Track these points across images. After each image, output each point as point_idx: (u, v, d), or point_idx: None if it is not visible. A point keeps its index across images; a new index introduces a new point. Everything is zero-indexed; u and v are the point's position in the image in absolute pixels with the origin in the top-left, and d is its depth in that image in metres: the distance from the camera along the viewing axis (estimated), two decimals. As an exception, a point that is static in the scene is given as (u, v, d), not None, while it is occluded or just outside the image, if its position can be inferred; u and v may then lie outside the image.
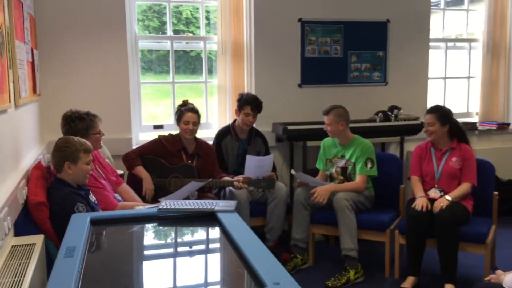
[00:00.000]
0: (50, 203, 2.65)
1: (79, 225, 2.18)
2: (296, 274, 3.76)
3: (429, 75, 5.21)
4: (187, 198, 3.54)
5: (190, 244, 2.34)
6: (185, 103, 3.85)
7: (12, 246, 2.32)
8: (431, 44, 5.25)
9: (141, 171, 3.70)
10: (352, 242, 3.63)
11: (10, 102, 2.47)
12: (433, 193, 3.61)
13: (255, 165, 3.88)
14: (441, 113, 3.70)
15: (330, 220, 3.77)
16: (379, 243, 3.83)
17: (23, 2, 3.06)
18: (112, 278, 1.84)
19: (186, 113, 3.75)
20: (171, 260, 2.16)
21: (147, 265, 2.05)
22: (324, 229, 3.91)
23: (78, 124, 3.05)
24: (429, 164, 3.70)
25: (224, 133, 4.19)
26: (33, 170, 2.80)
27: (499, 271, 2.24)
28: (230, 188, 3.83)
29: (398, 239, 3.63)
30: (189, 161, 3.82)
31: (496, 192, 3.72)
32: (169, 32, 4.61)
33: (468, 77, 5.58)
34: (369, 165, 3.77)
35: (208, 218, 2.36)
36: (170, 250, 2.23)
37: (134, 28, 4.42)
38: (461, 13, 5.57)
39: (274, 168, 4.20)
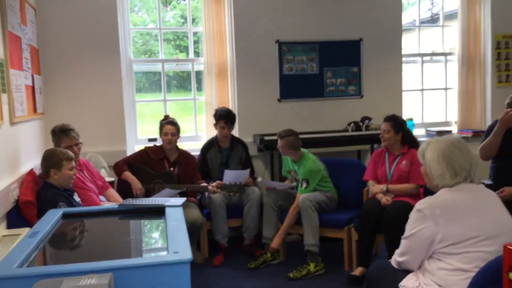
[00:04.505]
0: (39, 202, 3.21)
1: (50, 217, 2.73)
2: (265, 268, 4.21)
3: (406, 87, 5.60)
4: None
5: (135, 226, 2.86)
6: (165, 117, 4.40)
7: (2, 236, 2.88)
8: (408, 58, 5.66)
9: (128, 175, 4.23)
10: (313, 239, 4.05)
11: (2, 120, 3.05)
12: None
13: (231, 177, 4.35)
14: (395, 122, 4.09)
15: (297, 219, 4.21)
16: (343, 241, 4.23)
17: (21, 37, 3.67)
18: (62, 252, 2.36)
19: (165, 125, 4.29)
20: (116, 237, 2.69)
21: (97, 243, 2.58)
22: (293, 228, 4.32)
23: (52, 138, 3.69)
24: (382, 167, 4.11)
25: (208, 146, 4.68)
26: (26, 176, 3.38)
27: None
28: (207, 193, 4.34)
29: (354, 235, 4.03)
30: (171, 169, 4.34)
31: (448, 193, 4.06)
32: (161, 56, 5.19)
33: (446, 89, 5.92)
34: (304, 185, 4.20)
35: (159, 212, 2.86)
36: (118, 232, 2.76)
37: (129, 53, 5.02)
38: (437, 29, 5.94)
39: (253, 173, 4.68)
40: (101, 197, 3.87)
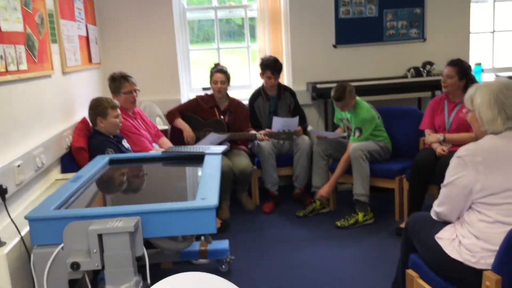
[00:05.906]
0: (89, 148, 3.35)
1: (96, 163, 2.84)
2: (314, 216, 4.21)
3: (474, 29, 5.19)
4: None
5: (173, 173, 2.93)
6: (216, 65, 4.38)
7: (56, 180, 3.05)
8: (477, -3, 5.22)
9: (180, 123, 4.31)
10: (363, 188, 3.97)
11: (53, 69, 3.16)
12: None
13: (280, 125, 4.30)
14: (461, 67, 3.81)
15: (347, 169, 4.13)
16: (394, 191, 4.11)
17: (72, -12, 3.74)
18: (100, 196, 2.46)
19: (215, 73, 4.28)
20: (157, 181, 2.77)
21: (133, 188, 2.67)
22: (343, 177, 4.25)
23: (111, 84, 3.78)
24: (441, 115, 3.88)
25: (255, 96, 4.64)
26: (78, 124, 3.52)
27: None
28: (257, 141, 4.33)
29: (406, 185, 3.90)
30: (221, 117, 4.36)
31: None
32: (214, 3, 5.12)
33: (520, 30, 5.44)
34: (356, 134, 4.07)
35: (200, 159, 2.90)
36: (156, 178, 2.83)
37: (182, 2, 5.00)
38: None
39: (304, 122, 4.61)
40: (155, 145, 3.99)
